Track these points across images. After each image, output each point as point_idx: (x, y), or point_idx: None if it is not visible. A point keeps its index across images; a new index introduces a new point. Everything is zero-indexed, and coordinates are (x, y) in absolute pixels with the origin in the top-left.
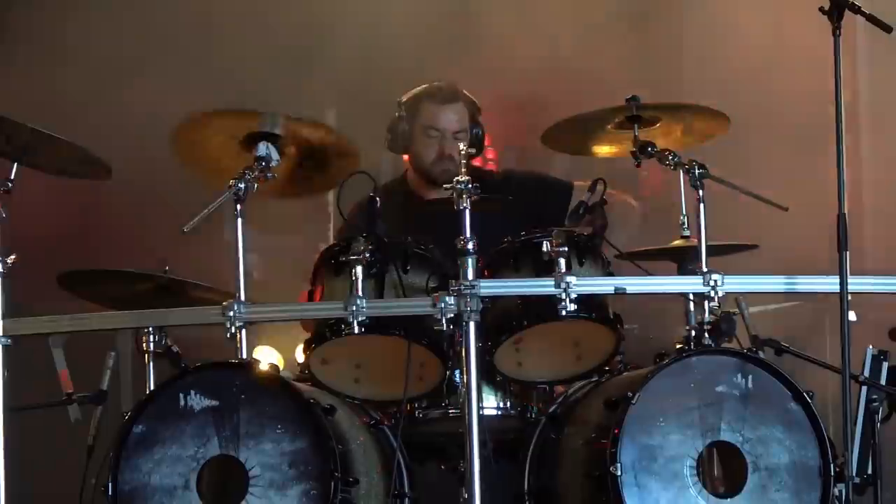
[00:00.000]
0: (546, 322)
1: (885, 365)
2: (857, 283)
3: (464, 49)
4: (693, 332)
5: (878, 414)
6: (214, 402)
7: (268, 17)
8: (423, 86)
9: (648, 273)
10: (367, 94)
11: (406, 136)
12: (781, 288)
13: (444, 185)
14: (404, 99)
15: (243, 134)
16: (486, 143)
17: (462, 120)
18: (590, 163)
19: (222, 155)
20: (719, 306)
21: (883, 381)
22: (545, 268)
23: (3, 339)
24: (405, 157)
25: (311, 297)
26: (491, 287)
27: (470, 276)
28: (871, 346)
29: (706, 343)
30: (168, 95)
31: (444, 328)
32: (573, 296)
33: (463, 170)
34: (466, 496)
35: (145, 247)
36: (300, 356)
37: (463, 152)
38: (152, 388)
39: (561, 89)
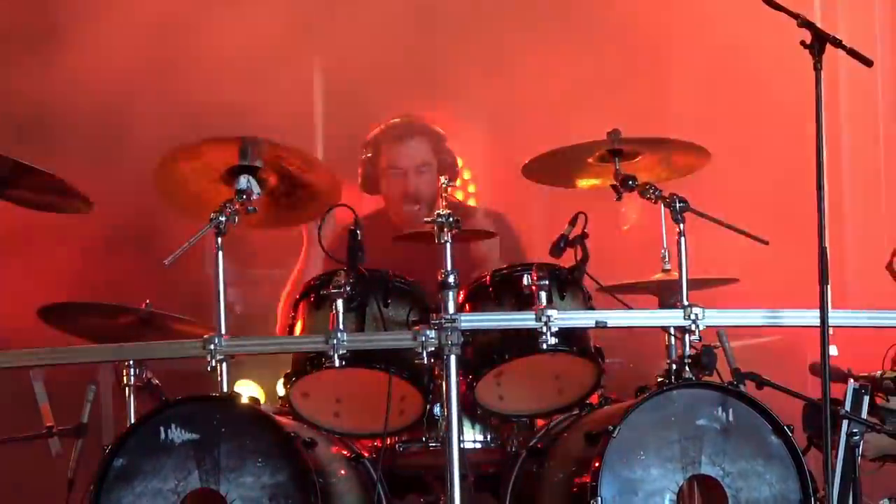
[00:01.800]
0: (527, 355)
1: (867, 399)
2: (838, 318)
3: (435, 83)
4: (674, 366)
5: (858, 447)
6: (195, 436)
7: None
8: (382, 125)
9: (629, 307)
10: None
11: (373, 178)
12: (762, 322)
13: (425, 219)
14: (367, 139)
15: (224, 168)
16: (457, 169)
17: (423, 153)
18: (570, 196)
19: (202, 190)
20: (700, 340)
21: (864, 415)
22: (526, 301)
23: None
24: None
25: (292, 330)
26: (472, 320)
27: (451, 309)
28: (851, 380)
29: (687, 376)
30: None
31: (425, 361)
32: (554, 329)
33: (443, 203)
34: None
35: (126, 281)
36: (281, 390)
37: (444, 184)
38: (133, 421)
39: (538, 121)
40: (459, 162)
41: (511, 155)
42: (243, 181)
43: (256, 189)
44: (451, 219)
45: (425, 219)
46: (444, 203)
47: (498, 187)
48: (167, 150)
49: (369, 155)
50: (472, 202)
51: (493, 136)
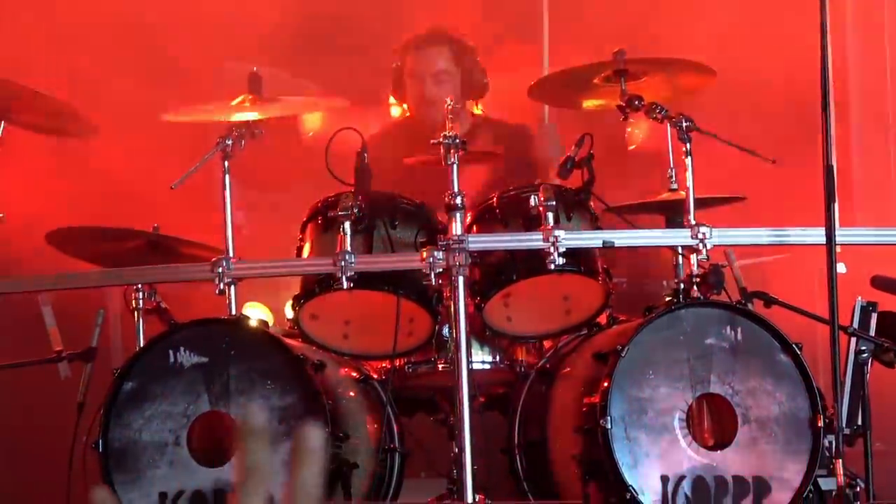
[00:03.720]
0: (535, 276)
1: (874, 316)
2: (845, 235)
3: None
4: (682, 285)
5: (867, 365)
6: (204, 359)
7: None
8: (411, 34)
9: (636, 226)
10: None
11: (399, 85)
12: (770, 240)
13: (431, 140)
14: (396, 48)
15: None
16: (485, 82)
17: (444, 60)
18: (576, 118)
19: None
20: (708, 259)
21: (872, 332)
22: (533, 222)
23: None
24: None
25: (300, 253)
26: (479, 241)
27: (458, 230)
28: (860, 298)
29: (695, 296)
30: None
31: (434, 283)
32: (561, 249)
33: (449, 123)
34: (457, 450)
35: (134, 204)
36: (289, 312)
37: (448, 105)
38: (142, 345)
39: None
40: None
41: (516, 77)
42: None
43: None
44: (456, 140)
45: (432, 141)
46: (452, 123)
47: (502, 110)
48: None
49: (397, 63)
50: None
51: (498, 57)
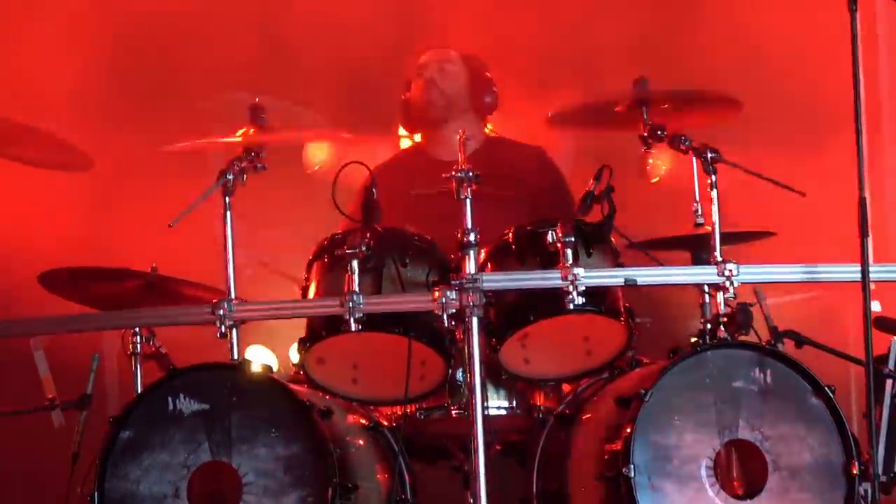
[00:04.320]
0: (553, 316)
1: None
2: (880, 271)
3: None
4: (708, 325)
5: None
6: (205, 406)
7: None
8: None
9: (660, 263)
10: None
11: (408, 115)
12: (801, 277)
13: (444, 175)
14: (407, 78)
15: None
16: (494, 92)
17: (451, 56)
18: (597, 148)
19: None
20: (735, 297)
21: None
22: (551, 259)
23: None
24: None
25: (305, 293)
26: (494, 280)
27: (472, 268)
28: (895, 338)
29: (722, 336)
30: None
31: (446, 324)
32: (581, 288)
33: (461, 156)
34: (472, 500)
35: (131, 244)
36: (294, 356)
37: (460, 137)
38: (139, 391)
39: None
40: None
41: (536, 105)
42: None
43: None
44: (469, 174)
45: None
46: (462, 155)
47: (522, 139)
48: None
49: (406, 94)
50: None
51: (518, 84)
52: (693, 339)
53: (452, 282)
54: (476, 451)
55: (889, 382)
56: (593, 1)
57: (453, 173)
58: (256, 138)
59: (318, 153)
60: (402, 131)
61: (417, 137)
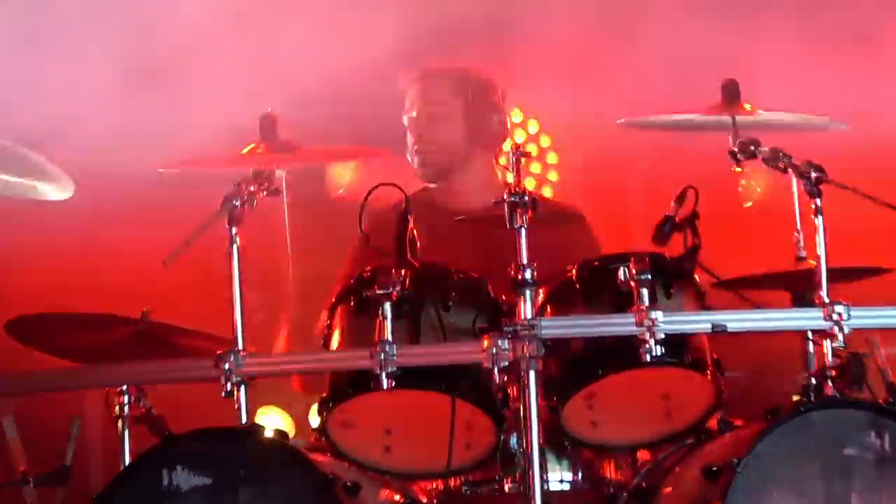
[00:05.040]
0: (626, 370)
1: None
2: None
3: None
4: (813, 380)
5: None
6: (207, 480)
7: None
8: None
9: (755, 305)
10: None
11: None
12: None
13: (494, 200)
14: None
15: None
16: (503, 132)
17: (438, 92)
18: (676, 166)
19: None
20: (846, 346)
21: None
22: (623, 301)
23: None
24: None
25: (327, 343)
26: (555, 326)
27: (528, 312)
28: None
29: (830, 394)
30: None
31: (497, 380)
32: (660, 336)
33: (516, 177)
34: None
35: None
36: (315, 419)
37: (510, 148)
38: (128, 463)
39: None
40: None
41: (601, 114)
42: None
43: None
44: (524, 198)
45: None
46: (516, 174)
47: (583, 154)
48: None
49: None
50: (552, 176)
51: (579, 89)
52: (795, 397)
53: (505, 328)
54: None
55: None
56: None
57: (505, 197)
58: (268, 157)
59: (344, 174)
60: None
61: None
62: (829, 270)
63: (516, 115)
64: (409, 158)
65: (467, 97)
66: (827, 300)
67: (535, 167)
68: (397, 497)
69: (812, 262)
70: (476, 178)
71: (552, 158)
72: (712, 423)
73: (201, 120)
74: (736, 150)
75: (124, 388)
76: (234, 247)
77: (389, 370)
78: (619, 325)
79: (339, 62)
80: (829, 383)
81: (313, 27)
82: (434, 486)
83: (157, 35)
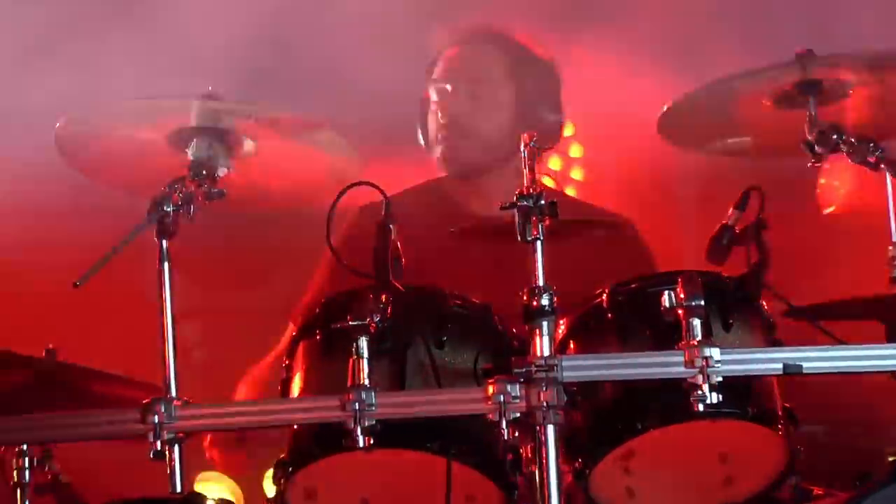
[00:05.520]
0: (672, 424)
1: None
2: None
3: None
4: None
5: None
6: None
7: None
8: None
9: (838, 340)
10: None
11: (423, 121)
12: None
13: (501, 206)
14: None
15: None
16: (559, 122)
17: (486, 63)
18: (735, 163)
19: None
20: None
21: None
22: (668, 334)
23: None
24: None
25: (287, 390)
26: (580, 368)
27: (546, 349)
28: None
29: None
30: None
31: (506, 436)
32: (716, 379)
33: (529, 174)
34: None
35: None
36: (269, 488)
37: (526, 142)
38: None
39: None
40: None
41: (641, 102)
42: (200, 147)
43: (224, 161)
44: (540, 202)
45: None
46: (529, 171)
47: (616, 146)
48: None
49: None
50: (576, 174)
51: (614, 77)
52: (891, 458)
53: (515, 370)
54: None
55: None
56: None
57: (515, 200)
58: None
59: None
60: (420, 140)
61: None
62: None
63: None
64: (427, 142)
65: (523, 82)
66: None
67: (555, 163)
68: None
69: None
70: (512, 183)
71: (576, 151)
72: (784, 491)
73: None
74: (812, 139)
75: (24, 447)
76: (166, 265)
77: (366, 424)
78: (663, 365)
79: None
80: None
81: None
82: None
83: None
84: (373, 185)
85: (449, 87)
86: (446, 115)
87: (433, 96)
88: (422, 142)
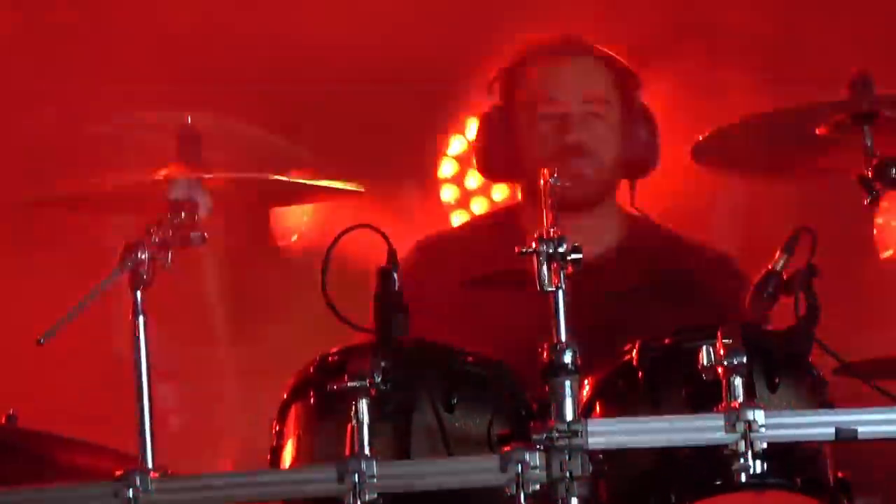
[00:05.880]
0: (713, 495)
1: None
2: None
3: None
4: None
5: None
6: None
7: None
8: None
9: None
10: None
11: (502, 131)
12: None
13: (518, 249)
14: (493, 74)
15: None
16: (655, 144)
17: (599, 82)
18: (782, 199)
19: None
20: None
21: None
22: (707, 395)
23: None
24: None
25: (277, 459)
26: (608, 433)
27: (569, 413)
28: None
29: None
30: None
31: None
32: (760, 446)
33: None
34: None
35: None
36: None
37: (546, 179)
38: None
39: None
40: None
41: (678, 131)
42: (180, 188)
43: (205, 201)
44: (558, 247)
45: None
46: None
47: (649, 179)
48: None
49: (499, 98)
50: None
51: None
52: None
53: (534, 437)
54: None
55: None
56: None
57: (533, 247)
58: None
59: (296, 214)
60: (447, 192)
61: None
62: None
63: None
64: (535, 161)
65: (627, 98)
66: None
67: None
68: None
69: None
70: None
71: None
72: None
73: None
74: (870, 174)
75: None
76: (140, 319)
77: (367, 498)
78: (700, 430)
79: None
80: None
81: None
82: None
83: None
84: (373, 227)
85: (565, 105)
86: (572, 132)
87: (542, 112)
88: (475, 165)
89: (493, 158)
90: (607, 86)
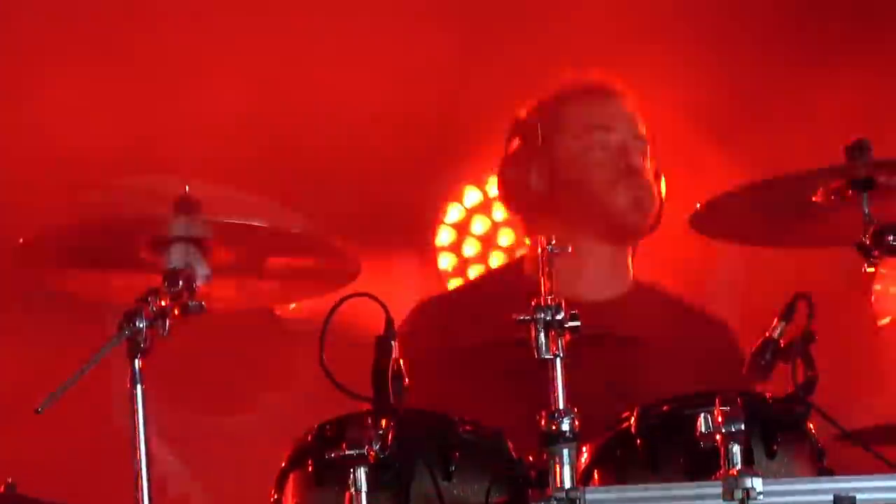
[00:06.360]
0: None
1: None
2: None
3: None
4: None
5: None
6: None
7: None
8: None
9: None
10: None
11: (544, 163)
12: None
13: (515, 317)
14: (520, 117)
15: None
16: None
17: (642, 120)
18: (778, 265)
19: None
20: None
21: None
22: (704, 463)
23: None
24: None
25: None
26: (606, 501)
27: (567, 480)
28: None
29: None
30: None
31: None
32: None
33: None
34: None
35: None
36: None
37: (543, 246)
38: None
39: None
40: None
41: (679, 197)
42: (178, 255)
43: (202, 269)
44: (556, 315)
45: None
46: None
47: (642, 245)
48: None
49: (533, 135)
50: None
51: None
52: None
53: (532, 503)
54: None
55: None
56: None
57: (534, 315)
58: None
59: None
60: (444, 260)
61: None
62: None
63: None
64: (591, 191)
65: (653, 147)
66: None
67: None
68: None
69: None
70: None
71: None
72: None
73: None
74: (868, 241)
75: None
76: (138, 388)
77: None
78: (698, 497)
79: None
80: None
81: None
82: None
83: None
84: (372, 297)
85: (622, 132)
86: (632, 157)
87: (599, 139)
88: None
89: (520, 195)
90: (641, 128)
